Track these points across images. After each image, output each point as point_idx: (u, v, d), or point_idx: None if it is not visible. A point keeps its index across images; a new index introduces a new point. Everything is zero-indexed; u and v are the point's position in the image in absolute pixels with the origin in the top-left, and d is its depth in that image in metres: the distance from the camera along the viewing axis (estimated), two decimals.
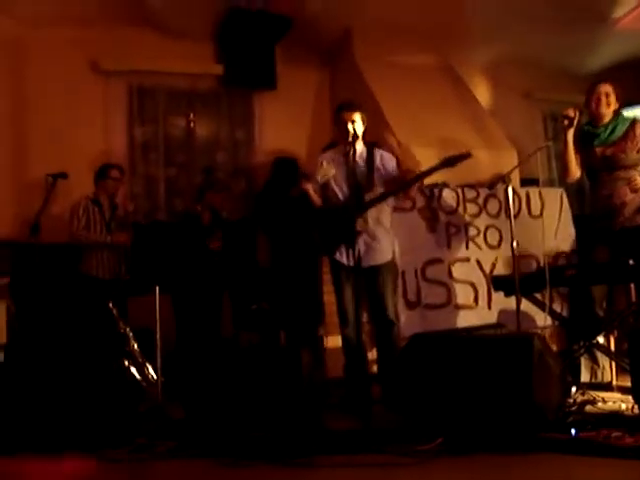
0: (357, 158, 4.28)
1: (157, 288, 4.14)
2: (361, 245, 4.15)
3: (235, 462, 2.84)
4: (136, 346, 4.61)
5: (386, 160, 4.39)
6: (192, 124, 6.68)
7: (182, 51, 6.47)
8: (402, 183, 4.26)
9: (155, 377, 4.25)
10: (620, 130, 4.34)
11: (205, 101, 6.78)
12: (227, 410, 3.27)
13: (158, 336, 4.08)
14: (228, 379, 3.35)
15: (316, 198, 4.40)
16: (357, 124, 4.29)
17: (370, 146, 4.43)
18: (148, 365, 4.52)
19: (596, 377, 4.28)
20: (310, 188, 4.38)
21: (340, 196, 4.33)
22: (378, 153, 4.39)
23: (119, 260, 5.29)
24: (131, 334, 4.65)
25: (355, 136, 4.22)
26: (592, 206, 4.46)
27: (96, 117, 6.30)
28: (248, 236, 6.21)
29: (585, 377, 4.32)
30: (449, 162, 4.12)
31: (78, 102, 6.18)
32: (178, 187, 6.57)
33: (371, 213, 4.27)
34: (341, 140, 4.32)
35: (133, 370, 4.41)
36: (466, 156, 4.09)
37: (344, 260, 4.12)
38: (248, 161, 6.84)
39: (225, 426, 3.22)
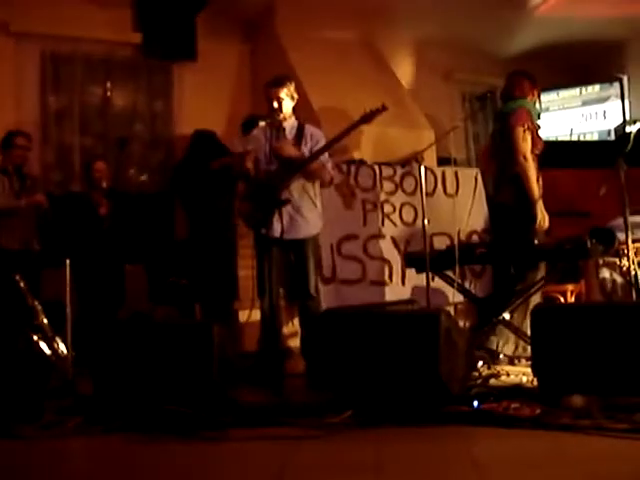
0: (287, 133, 4.30)
1: (68, 261, 4.05)
2: (285, 217, 4.16)
3: (145, 437, 2.83)
4: (45, 320, 4.51)
5: (316, 136, 4.36)
6: (109, 93, 6.52)
7: (99, 17, 6.29)
8: (324, 144, 4.26)
9: (65, 351, 4.18)
10: None
11: (123, 70, 6.62)
12: (138, 384, 3.24)
13: (69, 310, 4.01)
14: (141, 353, 3.32)
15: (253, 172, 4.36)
16: (285, 101, 4.27)
17: (302, 123, 4.41)
18: (58, 339, 4.43)
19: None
20: (252, 168, 4.32)
21: (268, 170, 4.28)
22: (309, 130, 4.38)
23: (30, 230, 5.13)
24: (40, 307, 4.54)
25: (279, 112, 4.24)
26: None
27: (6, 82, 6.04)
28: (165, 209, 6.13)
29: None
30: (365, 119, 4.15)
31: None
32: None
33: (297, 186, 4.27)
34: (269, 114, 4.30)
35: (42, 345, 4.32)
36: (382, 110, 4.12)
37: (266, 232, 4.11)
38: (166, 133, 6.72)
39: (135, 400, 3.20)
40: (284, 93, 4.25)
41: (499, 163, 4.68)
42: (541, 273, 4.39)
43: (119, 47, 6.51)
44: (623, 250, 4.71)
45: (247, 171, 4.31)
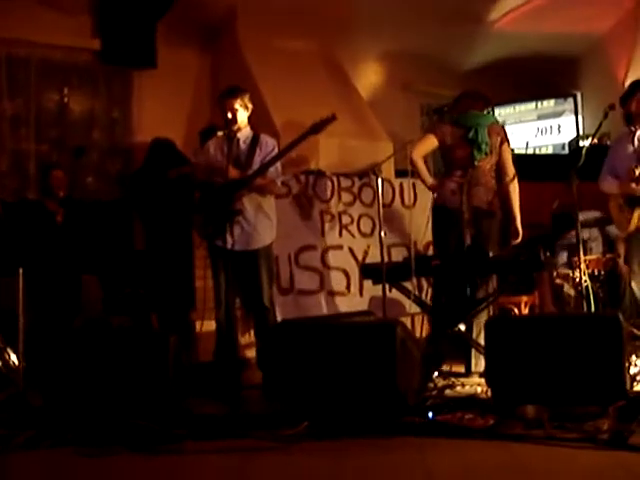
0: (241, 143, 4.30)
1: (21, 270, 3.97)
2: (236, 229, 4.14)
3: (98, 450, 2.78)
4: None
5: (270, 145, 4.35)
6: (66, 99, 6.43)
7: (57, 21, 6.20)
8: (275, 155, 4.24)
9: (17, 362, 4.09)
10: None
11: (81, 76, 6.53)
12: (91, 395, 3.19)
13: (21, 320, 3.93)
14: (94, 364, 3.27)
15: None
16: (239, 112, 4.26)
17: (257, 133, 4.40)
18: (9, 350, 4.34)
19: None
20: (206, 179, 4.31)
21: (221, 181, 4.28)
22: (264, 139, 4.37)
23: None
24: None
25: (233, 123, 4.22)
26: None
27: None
28: (123, 218, 6.05)
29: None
30: (315, 128, 4.15)
31: None
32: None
33: (250, 198, 4.26)
34: (224, 125, 4.28)
35: None
36: (331, 120, 4.13)
37: (219, 243, 4.10)
38: (125, 141, 6.65)
39: (88, 412, 3.14)
40: (238, 104, 4.24)
41: (474, 169, 4.56)
42: (493, 285, 4.45)
43: (77, 53, 6.43)
44: (576, 263, 4.80)
45: (208, 181, 4.27)
